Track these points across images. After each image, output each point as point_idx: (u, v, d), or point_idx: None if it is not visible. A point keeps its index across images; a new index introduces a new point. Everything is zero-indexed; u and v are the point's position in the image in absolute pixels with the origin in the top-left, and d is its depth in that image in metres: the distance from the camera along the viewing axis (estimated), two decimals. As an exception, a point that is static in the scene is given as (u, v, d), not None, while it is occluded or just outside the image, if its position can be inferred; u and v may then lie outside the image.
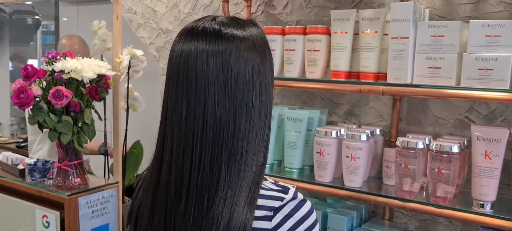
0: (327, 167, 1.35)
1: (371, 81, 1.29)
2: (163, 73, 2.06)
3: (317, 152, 1.36)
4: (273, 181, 0.83)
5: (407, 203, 1.22)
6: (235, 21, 0.81)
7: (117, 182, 1.74)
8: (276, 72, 1.46)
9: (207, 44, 0.77)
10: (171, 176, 0.78)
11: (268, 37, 1.42)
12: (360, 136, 1.31)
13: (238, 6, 1.81)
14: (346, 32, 1.33)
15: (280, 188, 0.81)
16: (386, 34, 1.30)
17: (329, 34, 1.38)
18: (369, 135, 1.33)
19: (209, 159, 0.75)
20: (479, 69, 1.13)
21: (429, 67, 1.20)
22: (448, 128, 1.42)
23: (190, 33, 0.79)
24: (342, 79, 1.33)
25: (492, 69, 1.11)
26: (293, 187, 0.83)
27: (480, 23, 1.13)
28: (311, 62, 1.40)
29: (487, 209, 1.14)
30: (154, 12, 2.07)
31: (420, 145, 1.22)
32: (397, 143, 1.26)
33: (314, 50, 1.39)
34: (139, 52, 1.77)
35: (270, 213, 0.76)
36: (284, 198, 0.78)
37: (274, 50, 1.45)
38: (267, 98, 0.79)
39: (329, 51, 1.39)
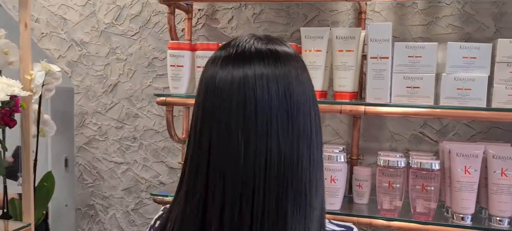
0: (305, 190, 1.29)
1: (350, 101, 1.28)
2: (77, 91, 1.77)
3: (293, 176, 1.29)
4: (329, 220, 0.76)
5: (393, 222, 1.23)
6: (274, 38, 0.71)
7: (29, 225, 1.44)
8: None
9: (266, 68, 0.65)
10: (223, 229, 0.64)
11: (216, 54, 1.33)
12: (337, 157, 1.28)
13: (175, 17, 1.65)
14: (319, 51, 1.29)
15: (343, 228, 0.74)
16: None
17: (299, 53, 1.33)
18: (345, 155, 1.31)
19: (274, 205, 0.64)
20: (458, 89, 1.19)
21: (407, 87, 1.23)
22: (404, 144, 1.48)
23: (240, 56, 0.66)
24: (321, 100, 1.29)
25: (470, 89, 1.18)
26: (354, 225, 0.76)
27: (458, 45, 1.19)
28: (282, 81, 1.32)
29: (468, 221, 1.20)
30: (64, 21, 1.77)
31: (402, 164, 1.23)
32: (378, 162, 1.26)
33: (285, 69, 1.32)
34: (55, 68, 1.49)
35: None
36: None
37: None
38: (320, 128, 0.71)
39: (299, 70, 1.33)
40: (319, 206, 0.68)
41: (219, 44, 1.39)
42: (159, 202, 1.42)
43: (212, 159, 0.65)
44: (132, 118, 1.72)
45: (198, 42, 1.47)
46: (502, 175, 1.17)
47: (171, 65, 1.40)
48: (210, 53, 0.67)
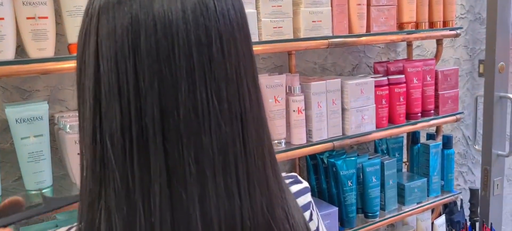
0: (96, 167, 1.04)
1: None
2: None
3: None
4: None
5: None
6: None
7: None
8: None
9: None
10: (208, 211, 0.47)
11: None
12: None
13: None
14: (83, -8, 1.03)
15: (291, 178, 0.69)
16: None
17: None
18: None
19: (259, 168, 0.50)
20: (235, 25, 1.20)
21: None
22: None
23: None
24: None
25: (245, 25, 1.21)
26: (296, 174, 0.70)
27: (229, -19, 1.19)
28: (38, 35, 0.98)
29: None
30: None
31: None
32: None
33: (39, 17, 0.98)
34: None
35: None
36: None
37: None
38: None
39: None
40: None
41: None
42: None
43: (170, 135, 0.44)
44: None
45: None
46: (276, 102, 1.29)
47: None
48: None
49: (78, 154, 1.01)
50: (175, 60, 0.43)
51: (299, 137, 1.32)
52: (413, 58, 1.80)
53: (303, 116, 1.31)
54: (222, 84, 0.46)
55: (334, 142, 1.36)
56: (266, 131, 0.51)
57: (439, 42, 1.70)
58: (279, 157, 1.27)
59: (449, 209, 1.93)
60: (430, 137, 1.77)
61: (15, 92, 1.19)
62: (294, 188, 0.62)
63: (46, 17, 0.99)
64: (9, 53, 0.97)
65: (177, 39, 0.44)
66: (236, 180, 0.47)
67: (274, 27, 1.26)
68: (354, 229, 1.43)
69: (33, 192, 0.99)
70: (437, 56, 1.71)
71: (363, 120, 1.41)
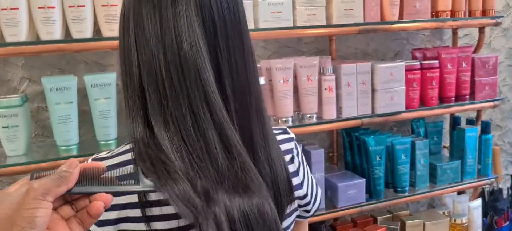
0: (151, 127, 1.29)
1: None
2: None
3: (137, 115, 1.27)
4: None
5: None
6: None
7: None
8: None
9: None
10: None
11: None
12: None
13: None
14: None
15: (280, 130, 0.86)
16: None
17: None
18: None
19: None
20: (272, 13, 1.38)
21: (230, 14, 1.35)
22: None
23: None
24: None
25: (281, 12, 1.39)
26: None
27: (267, -26, 1.38)
28: (109, 19, 1.25)
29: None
30: None
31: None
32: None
33: (111, 5, 1.24)
34: None
35: None
36: None
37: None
38: None
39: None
40: None
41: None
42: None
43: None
44: None
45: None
46: (308, 80, 1.45)
47: (2, 9, 1.15)
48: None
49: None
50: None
51: (329, 113, 1.48)
52: (459, 46, 1.86)
53: (333, 94, 1.47)
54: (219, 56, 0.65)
55: (362, 119, 1.50)
56: (256, 96, 0.69)
57: (481, 30, 1.75)
58: (310, 129, 1.44)
59: (494, 196, 1.97)
60: (470, 122, 1.83)
61: (94, 66, 1.47)
62: (280, 137, 0.79)
63: (116, 5, 1.25)
64: (88, 33, 1.24)
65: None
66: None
67: (307, 15, 1.42)
68: (381, 200, 1.56)
69: (102, 142, 1.26)
70: (479, 44, 1.76)
71: (392, 100, 1.52)
